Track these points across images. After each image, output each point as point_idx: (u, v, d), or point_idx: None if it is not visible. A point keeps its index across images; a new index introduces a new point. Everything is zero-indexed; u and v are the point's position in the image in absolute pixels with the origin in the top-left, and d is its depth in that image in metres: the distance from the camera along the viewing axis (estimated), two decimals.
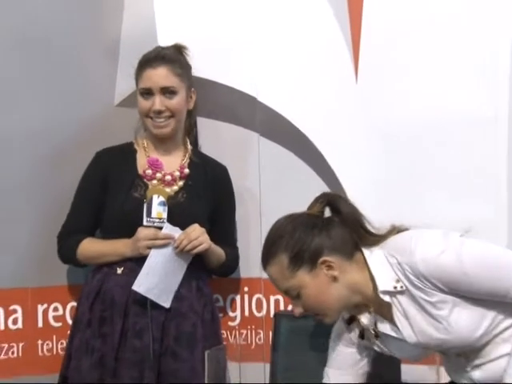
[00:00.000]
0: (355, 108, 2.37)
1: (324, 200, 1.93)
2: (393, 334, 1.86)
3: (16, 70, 2.29)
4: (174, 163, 2.35)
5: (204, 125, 2.53)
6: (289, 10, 2.43)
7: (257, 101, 2.43)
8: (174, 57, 2.31)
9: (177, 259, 2.26)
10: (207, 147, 2.51)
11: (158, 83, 2.24)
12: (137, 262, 2.22)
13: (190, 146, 2.39)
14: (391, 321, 1.85)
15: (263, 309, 2.50)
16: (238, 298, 2.53)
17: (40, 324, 2.37)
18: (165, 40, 2.37)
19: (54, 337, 2.36)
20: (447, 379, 1.96)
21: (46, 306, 2.38)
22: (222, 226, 2.42)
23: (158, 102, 2.24)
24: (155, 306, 2.23)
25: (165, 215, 2.27)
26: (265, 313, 2.50)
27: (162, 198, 2.27)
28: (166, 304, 2.22)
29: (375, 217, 2.10)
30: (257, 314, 2.51)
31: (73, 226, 2.32)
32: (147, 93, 2.26)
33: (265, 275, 2.27)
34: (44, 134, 2.35)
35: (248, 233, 2.48)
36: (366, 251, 1.86)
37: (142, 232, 2.21)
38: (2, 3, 2.27)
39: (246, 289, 2.51)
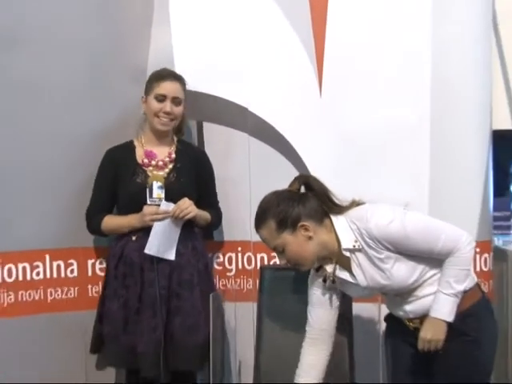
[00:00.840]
0: (320, 116, 2.70)
1: (300, 180, 2.17)
2: (350, 279, 2.12)
3: (72, 88, 2.63)
4: (164, 151, 2.62)
5: (208, 128, 2.84)
6: (267, 45, 2.73)
7: (248, 110, 2.75)
8: (181, 78, 2.63)
9: (173, 224, 2.53)
10: (210, 144, 2.82)
11: (172, 93, 2.57)
12: (144, 231, 2.52)
13: (175, 138, 2.66)
14: (349, 270, 2.11)
15: (252, 263, 2.82)
16: (233, 255, 2.84)
17: (89, 273, 2.74)
18: (180, 67, 2.70)
19: (100, 283, 2.70)
20: (386, 312, 2.28)
21: (93, 260, 2.74)
22: (207, 194, 2.69)
23: (169, 106, 2.56)
24: (161, 262, 2.52)
25: (163, 195, 2.54)
26: (253, 266, 2.82)
27: (159, 183, 2.56)
28: (172, 257, 2.52)
29: (331, 190, 2.36)
30: (247, 267, 2.83)
31: (95, 207, 2.63)
32: (162, 98, 2.56)
33: (254, 239, 2.64)
34: (85, 137, 2.68)
35: (240, 208, 2.76)
36: (333, 218, 2.10)
37: (146, 209, 2.51)
38: (63, 42, 2.60)
39: (239, 248, 2.83)
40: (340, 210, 2.13)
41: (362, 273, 2.11)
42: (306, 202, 2.13)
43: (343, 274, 2.14)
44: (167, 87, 2.58)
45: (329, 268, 2.14)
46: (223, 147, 2.81)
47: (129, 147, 2.65)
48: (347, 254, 2.09)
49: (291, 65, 2.73)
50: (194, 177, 2.63)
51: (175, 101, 2.59)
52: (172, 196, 2.55)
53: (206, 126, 2.84)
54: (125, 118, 2.73)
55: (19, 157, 2.58)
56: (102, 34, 2.69)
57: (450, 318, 2.05)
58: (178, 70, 2.69)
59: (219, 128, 2.82)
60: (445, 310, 2.07)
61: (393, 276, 2.07)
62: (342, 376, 2.51)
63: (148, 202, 2.54)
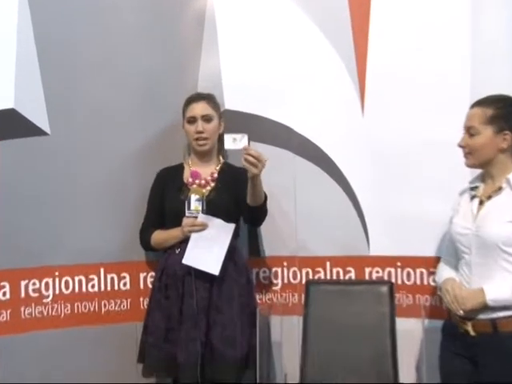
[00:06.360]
0: (362, 134, 2.78)
1: None
2: (475, 206, 2.23)
3: (132, 109, 2.79)
4: (208, 171, 2.74)
5: (254, 147, 2.65)
6: (310, 66, 2.83)
7: (292, 130, 2.85)
8: (209, 96, 2.73)
9: (217, 239, 2.59)
10: None
11: (200, 112, 2.69)
12: (187, 243, 2.59)
13: (222, 160, 2.78)
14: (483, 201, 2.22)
15: (297, 278, 2.89)
16: (279, 270, 2.92)
17: (141, 286, 2.84)
18: (228, 89, 2.83)
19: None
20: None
21: (145, 273, 2.84)
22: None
23: (200, 124, 2.67)
24: (201, 275, 2.57)
25: (200, 208, 2.63)
26: (299, 280, 2.88)
27: (197, 196, 2.65)
28: (216, 272, 2.57)
29: (374, 206, 2.75)
30: (293, 282, 2.90)
31: (147, 224, 2.76)
32: (192, 120, 2.68)
33: (299, 254, 2.85)
34: (137, 156, 2.81)
35: (285, 224, 2.85)
36: None
37: (184, 221, 2.63)
38: (128, 68, 2.77)
39: (285, 263, 2.90)
40: None
41: (488, 205, 2.21)
42: None
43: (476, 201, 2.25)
44: (194, 108, 2.71)
45: (480, 189, 2.25)
46: (269, 165, 2.72)
47: (178, 168, 2.79)
48: (504, 184, 2.19)
49: (334, 85, 2.83)
50: (235, 194, 2.69)
51: (205, 118, 2.70)
52: (213, 211, 2.64)
53: (253, 145, 2.74)
54: (175, 139, 2.86)
55: (76, 171, 2.72)
56: (159, 60, 2.86)
57: (491, 303, 2.11)
58: (226, 93, 2.81)
59: (265, 147, 2.85)
60: (497, 294, 2.12)
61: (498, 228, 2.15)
62: None
63: (186, 214, 2.64)
